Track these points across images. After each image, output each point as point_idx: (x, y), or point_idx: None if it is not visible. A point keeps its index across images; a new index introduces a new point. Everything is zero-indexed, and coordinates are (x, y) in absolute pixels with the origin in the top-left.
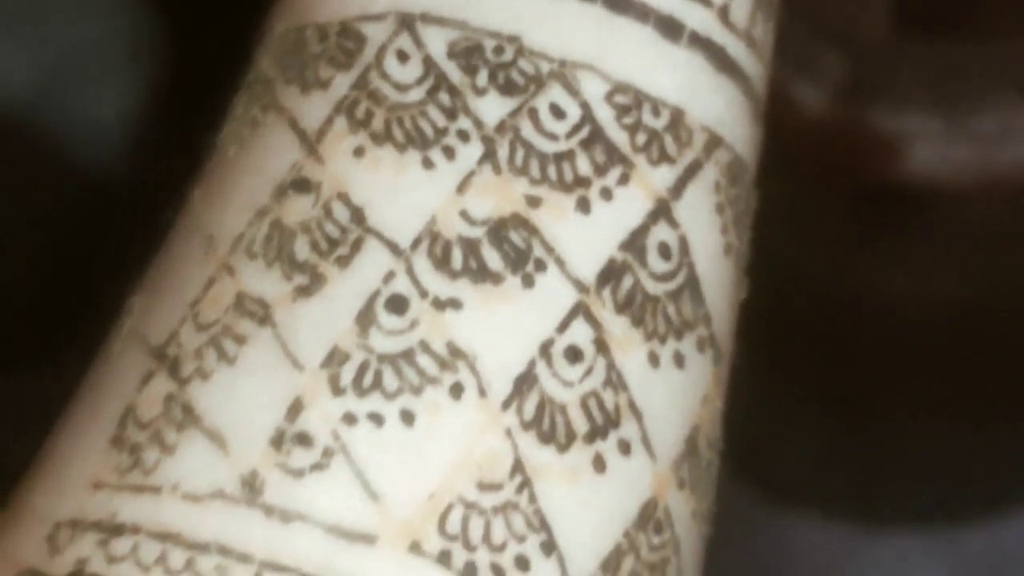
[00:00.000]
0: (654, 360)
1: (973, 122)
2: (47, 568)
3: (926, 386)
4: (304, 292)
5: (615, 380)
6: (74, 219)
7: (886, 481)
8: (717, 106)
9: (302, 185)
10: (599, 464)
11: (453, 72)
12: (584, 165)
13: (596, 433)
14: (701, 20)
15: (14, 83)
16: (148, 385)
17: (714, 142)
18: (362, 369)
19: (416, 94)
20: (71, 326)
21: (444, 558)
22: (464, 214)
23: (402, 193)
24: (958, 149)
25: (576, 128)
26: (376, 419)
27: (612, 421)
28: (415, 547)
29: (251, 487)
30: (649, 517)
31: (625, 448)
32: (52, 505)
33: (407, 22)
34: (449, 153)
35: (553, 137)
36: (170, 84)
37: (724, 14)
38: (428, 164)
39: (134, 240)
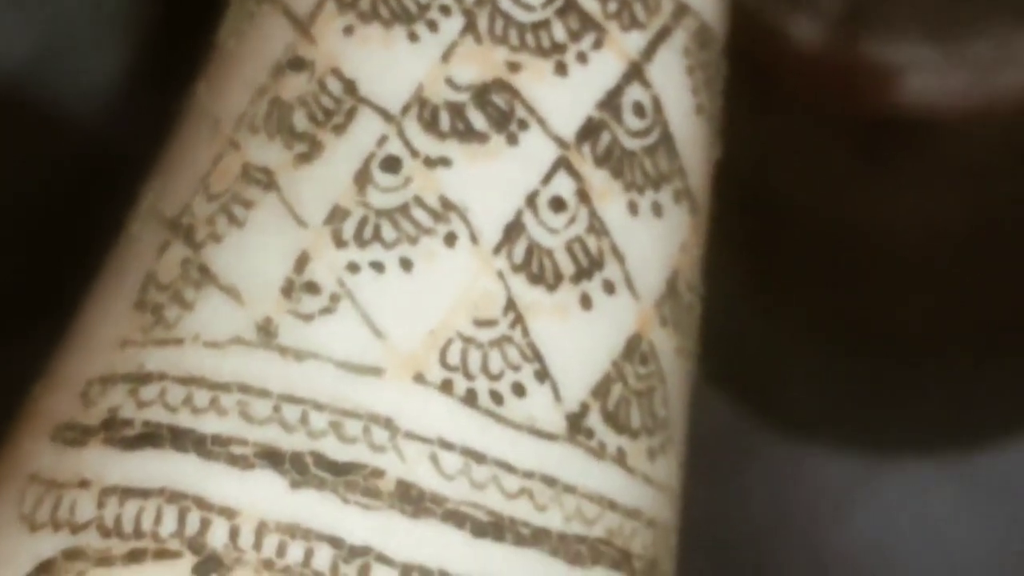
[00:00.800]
0: (633, 209)
1: (969, 49)
2: (83, 419)
3: (929, 313)
4: (304, 158)
5: (597, 226)
6: (69, 181)
7: (893, 409)
8: None
9: (297, 64)
10: (585, 302)
11: None
12: (560, 32)
13: (581, 274)
14: None
15: (11, 51)
16: (166, 253)
17: (682, 10)
18: (362, 223)
19: None
20: (60, 290)
21: (446, 386)
22: (449, 80)
23: (390, 64)
24: (955, 76)
25: None
26: (377, 267)
27: (596, 263)
28: (419, 377)
29: (266, 332)
30: (634, 350)
31: (609, 287)
32: (83, 366)
33: None
34: (432, 26)
35: (529, 8)
36: (162, 46)
37: None
38: (413, 37)
39: (128, 203)
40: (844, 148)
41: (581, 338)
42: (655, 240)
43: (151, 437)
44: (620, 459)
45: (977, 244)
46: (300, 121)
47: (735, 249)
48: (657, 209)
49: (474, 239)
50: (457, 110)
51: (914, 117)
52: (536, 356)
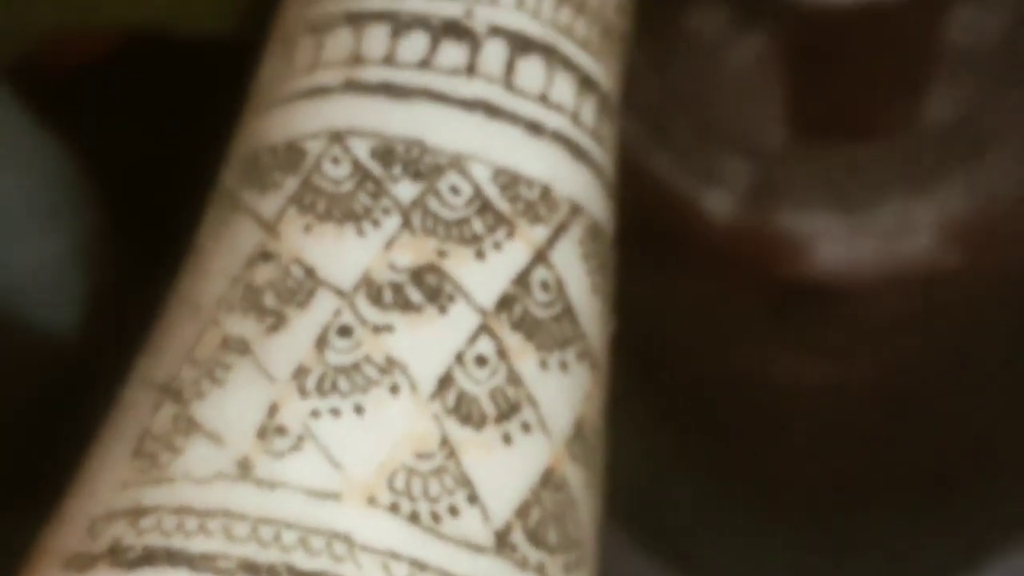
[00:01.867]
0: (544, 365)
1: (873, 218)
2: (90, 549)
3: (842, 472)
4: (274, 328)
5: (514, 379)
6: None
7: (818, 571)
8: (576, 184)
9: (266, 256)
10: (507, 439)
11: (374, 168)
12: (478, 226)
13: (502, 417)
14: (558, 122)
15: None
16: (159, 412)
17: (575, 210)
18: (322, 378)
19: (348, 185)
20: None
21: (394, 508)
22: (391, 265)
23: (343, 254)
24: (861, 245)
25: (470, 201)
26: (335, 412)
27: (514, 408)
28: (371, 501)
29: (244, 467)
30: (549, 479)
31: (526, 428)
32: (88, 507)
33: (337, 137)
34: (376, 223)
35: (453, 208)
36: (94, 234)
37: (575, 118)
38: (360, 232)
39: (59, 387)
40: (758, 315)
41: (504, 469)
42: (563, 391)
43: (150, 558)
44: (540, 570)
45: (887, 404)
46: (269, 300)
47: (656, 413)
48: (563, 366)
49: (413, 389)
50: (397, 288)
51: (824, 284)
52: (467, 483)
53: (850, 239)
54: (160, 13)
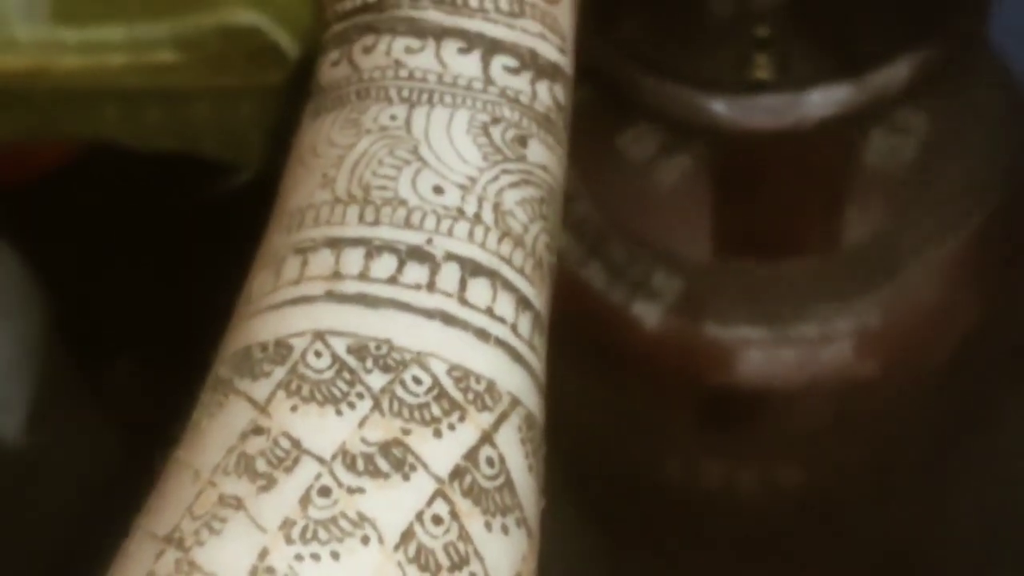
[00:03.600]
0: (489, 527)
1: (794, 329)
2: None
3: (781, 572)
4: (264, 489)
5: (464, 536)
6: None
7: None
8: (515, 381)
9: (258, 431)
10: None
11: (351, 360)
12: (436, 410)
13: (454, 567)
14: (501, 331)
15: None
16: (161, 557)
17: (515, 402)
18: (304, 529)
19: (328, 374)
20: None
21: None
22: (363, 439)
23: (324, 429)
24: (784, 353)
25: (429, 389)
26: (315, 557)
27: (464, 560)
28: None
29: None
30: None
31: None
32: None
33: (320, 335)
34: (351, 406)
35: (415, 395)
36: (41, 338)
37: (514, 329)
38: (338, 412)
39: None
40: (687, 421)
41: None
42: (504, 549)
43: None
44: None
45: (815, 501)
46: (261, 465)
47: (587, 518)
48: (505, 529)
49: (381, 540)
50: (369, 458)
51: (748, 391)
52: None
53: (773, 349)
54: (110, 127)
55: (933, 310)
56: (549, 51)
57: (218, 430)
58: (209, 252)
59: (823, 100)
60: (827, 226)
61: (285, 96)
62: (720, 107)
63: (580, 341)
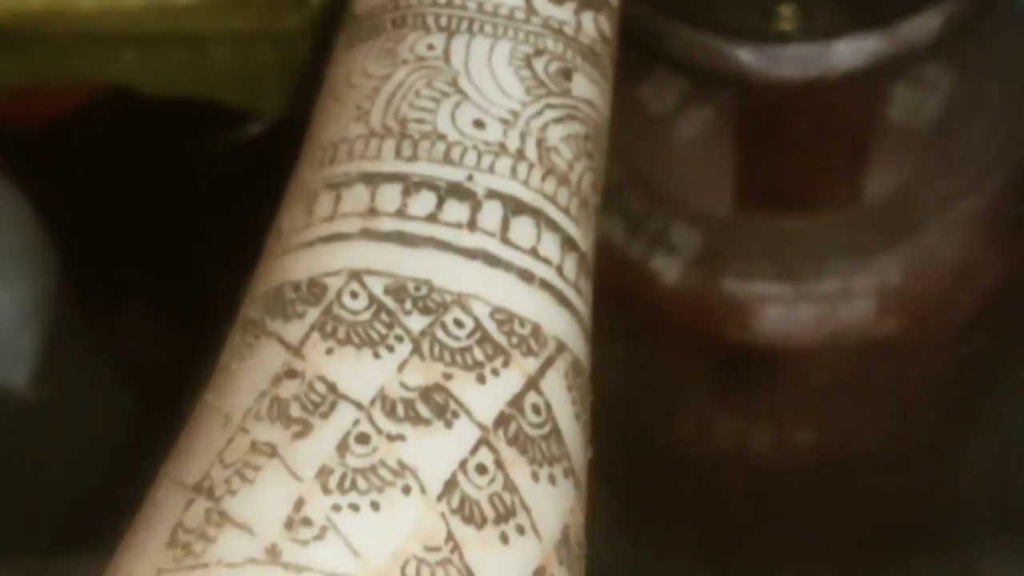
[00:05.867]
0: (535, 477)
1: (814, 285)
2: None
3: (793, 534)
4: (299, 435)
5: (510, 486)
6: None
7: None
8: (561, 325)
9: (292, 374)
10: (504, 538)
11: (388, 302)
12: (479, 354)
13: (500, 519)
14: (545, 272)
15: None
16: (191, 507)
17: (561, 347)
18: (343, 478)
19: (365, 316)
20: None
21: None
22: (403, 384)
23: (361, 373)
24: (803, 310)
25: (471, 333)
26: (354, 507)
27: (510, 512)
28: None
29: (273, 554)
30: (542, 575)
31: (520, 530)
32: None
33: (355, 274)
34: (390, 349)
35: (457, 338)
36: (52, 289)
37: (560, 270)
38: (376, 356)
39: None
40: (703, 378)
41: (502, 564)
42: (551, 501)
43: None
44: None
45: (831, 463)
46: (295, 410)
47: (599, 476)
48: (552, 479)
49: (423, 490)
50: (409, 403)
51: (768, 346)
52: (469, 574)
53: (792, 305)
54: (127, 72)
55: (954, 268)
56: None
57: (249, 373)
58: (222, 201)
59: (849, 51)
60: (849, 181)
61: (308, 44)
62: (745, 56)
63: (597, 294)
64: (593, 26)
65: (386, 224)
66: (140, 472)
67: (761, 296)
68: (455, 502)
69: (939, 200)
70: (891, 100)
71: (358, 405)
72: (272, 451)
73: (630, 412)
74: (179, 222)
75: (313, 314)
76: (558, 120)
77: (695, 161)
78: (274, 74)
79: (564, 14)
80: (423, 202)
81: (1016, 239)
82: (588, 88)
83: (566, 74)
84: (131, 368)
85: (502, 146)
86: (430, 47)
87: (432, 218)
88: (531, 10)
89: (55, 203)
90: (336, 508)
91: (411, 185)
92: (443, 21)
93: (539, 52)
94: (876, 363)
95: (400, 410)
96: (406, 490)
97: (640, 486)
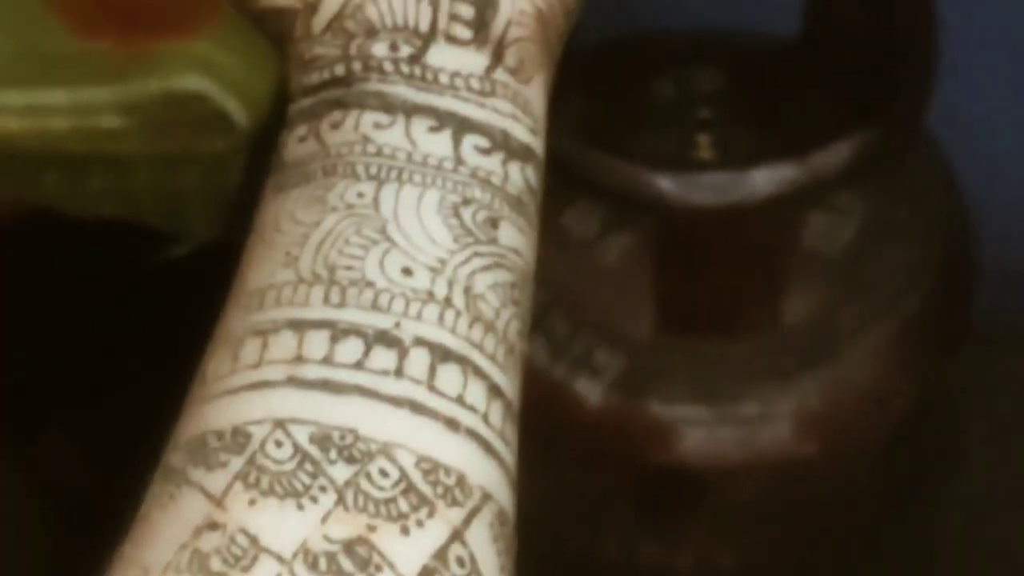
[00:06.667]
0: None
1: (735, 408)
2: None
3: None
4: None
5: None
6: None
7: None
8: (486, 475)
9: (213, 526)
10: None
11: (313, 451)
12: (404, 505)
13: None
14: (471, 421)
15: None
16: None
17: (486, 497)
18: None
19: (289, 465)
20: None
21: None
22: (326, 536)
23: (284, 525)
24: (724, 432)
25: (397, 482)
26: None
27: None
28: None
29: None
30: None
31: None
32: None
33: (280, 423)
34: (313, 500)
35: (382, 488)
36: None
37: (485, 419)
38: (300, 507)
39: None
40: (625, 501)
41: None
42: None
43: None
44: None
45: None
46: (216, 565)
47: None
48: None
49: None
50: (331, 557)
51: (690, 469)
52: None
53: (713, 428)
54: (50, 193)
55: (871, 392)
56: (521, 132)
57: (170, 524)
58: (146, 322)
59: (765, 179)
60: (767, 305)
61: (234, 167)
62: (664, 183)
63: (520, 415)
64: (520, 176)
65: (312, 372)
66: None
67: (683, 419)
68: None
69: (854, 325)
70: (806, 227)
71: (280, 559)
72: None
73: (554, 532)
74: (101, 342)
75: (236, 464)
76: (485, 268)
77: (617, 285)
78: (199, 197)
79: (492, 164)
80: (350, 349)
81: (931, 362)
82: (515, 237)
83: (493, 223)
84: (51, 492)
85: (430, 294)
86: (360, 195)
87: (359, 365)
88: (459, 160)
89: None
90: None
91: (339, 332)
92: (372, 170)
93: (467, 201)
94: (796, 484)
95: (323, 564)
96: None
97: None
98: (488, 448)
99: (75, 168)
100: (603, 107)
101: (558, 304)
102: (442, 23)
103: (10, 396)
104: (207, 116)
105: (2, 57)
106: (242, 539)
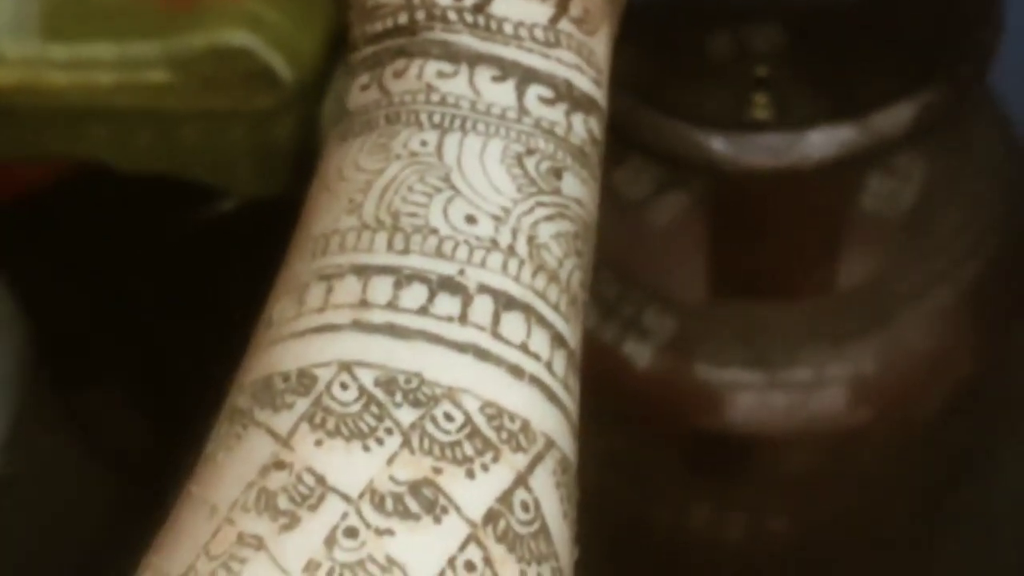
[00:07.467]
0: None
1: (787, 373)
2: None
3: None
4: (287, 528)
5: None
6: None
7: None
8: (550, 422)
9: (280, 465)
10: None
11: (379, 394)
12: (469, 449)
13: None
14: (535, 368)
15: None
16: None
17: (550, 444)
18: (330, 572)
19: (355, 408)
20: None
21: None
22: (392, 478)
23: (350, 465)
24: (775, 398)
25: (461, 427)
26: None
27: None
28: None
29: None
30: None
31: None
32: None
33: (346, 366)
34: (379, 442)
35: (447, 432)
36: (24, 360)
37: (549, 367)
38: (366, 448)
39: None
40: (675, 465)
41: None
42: None
43: None
44: None
45: (800, 559)
46: (283, 503)
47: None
48: None
49: None
50: (398, 498)
51: (739, 434)
52: None
53: (765, 393)
54: (98, 148)
55: (927, 358)
56: (584, 83)
57: (236, 464)
58: (195, 277)
59: (823, 141)
60: (822, 270)
61: (281, 124)
62: (719, 144)
63: None
64: (583, 127)
65: (377, 316)
66: (117, 555)
67: (734, 383)
68: None
69: (913, 289)
70: (864, 189)
71: (347, 498)
72: (259, 544)
73: (602, 496)
74: (151, 297)
75: (302, 405)
76: (548, 218)
77: (668, 247)
78: (246, 153)
79: (555, 115)
80: (415, 295)
81: (991, 329)
82: (577, 188)
83: (556, 173)
84: (103, 445)
85: (493, 242)
86: (423, 143)
87: (423, 311)
88: (523, 110)
89: (23, 276)
90: None
91: (403, 278)
92: (436, 119)
93: (530, 151)
94: (849, 452)
95: (389, 504)
96: None
97: (611, 572)
98: (552, 396)
99: (122, 123)
100: (657, 63)
101: (607, 265)
102: None
103: (65, 351)
104: (253, 72)
105: (48, 10)
106: (309, 478)
